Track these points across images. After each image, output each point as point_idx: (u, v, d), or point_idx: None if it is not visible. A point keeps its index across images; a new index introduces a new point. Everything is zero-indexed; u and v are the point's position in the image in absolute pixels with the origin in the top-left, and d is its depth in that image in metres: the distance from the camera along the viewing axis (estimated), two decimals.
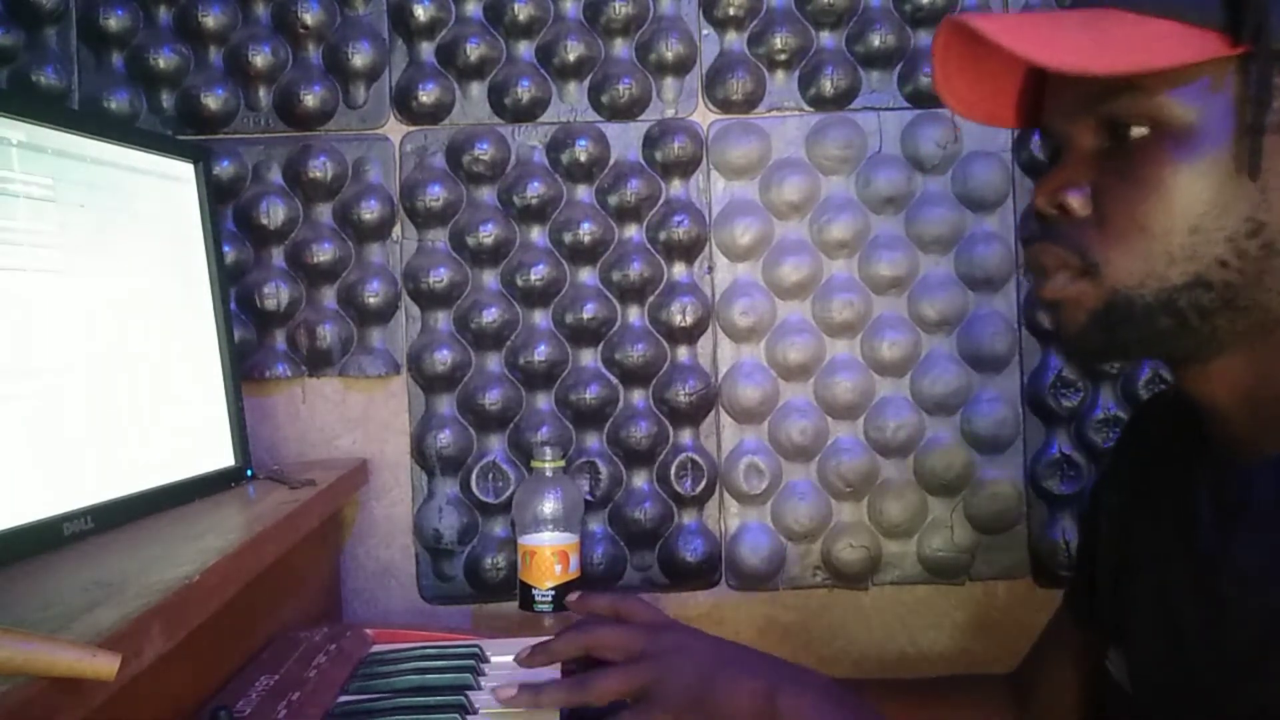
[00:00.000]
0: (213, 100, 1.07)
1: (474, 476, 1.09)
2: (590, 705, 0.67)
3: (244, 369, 1.05)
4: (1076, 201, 0.59)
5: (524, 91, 1.09)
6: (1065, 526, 1.11)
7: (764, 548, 1.10)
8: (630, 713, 0.65)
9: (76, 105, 1.06)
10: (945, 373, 1.10)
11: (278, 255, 1.09)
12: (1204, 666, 0.59)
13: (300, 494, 0.87)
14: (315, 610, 0.98)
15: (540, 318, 1.10)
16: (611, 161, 1.10)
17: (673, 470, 1.10)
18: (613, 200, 1.09)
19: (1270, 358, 0.58)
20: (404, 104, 1.09)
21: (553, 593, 0.96)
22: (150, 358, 0.83)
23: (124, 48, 1.08)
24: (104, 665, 0.45)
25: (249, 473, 0.93)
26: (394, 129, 1.10)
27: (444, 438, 1.08)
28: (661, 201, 1.10)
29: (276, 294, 1.07)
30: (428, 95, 1.08)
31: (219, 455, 0.90)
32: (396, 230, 1.10)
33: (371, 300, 1.08)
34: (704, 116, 1.11)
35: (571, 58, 1.09)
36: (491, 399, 1.08)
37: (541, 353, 1.09)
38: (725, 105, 1.11)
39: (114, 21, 1.06)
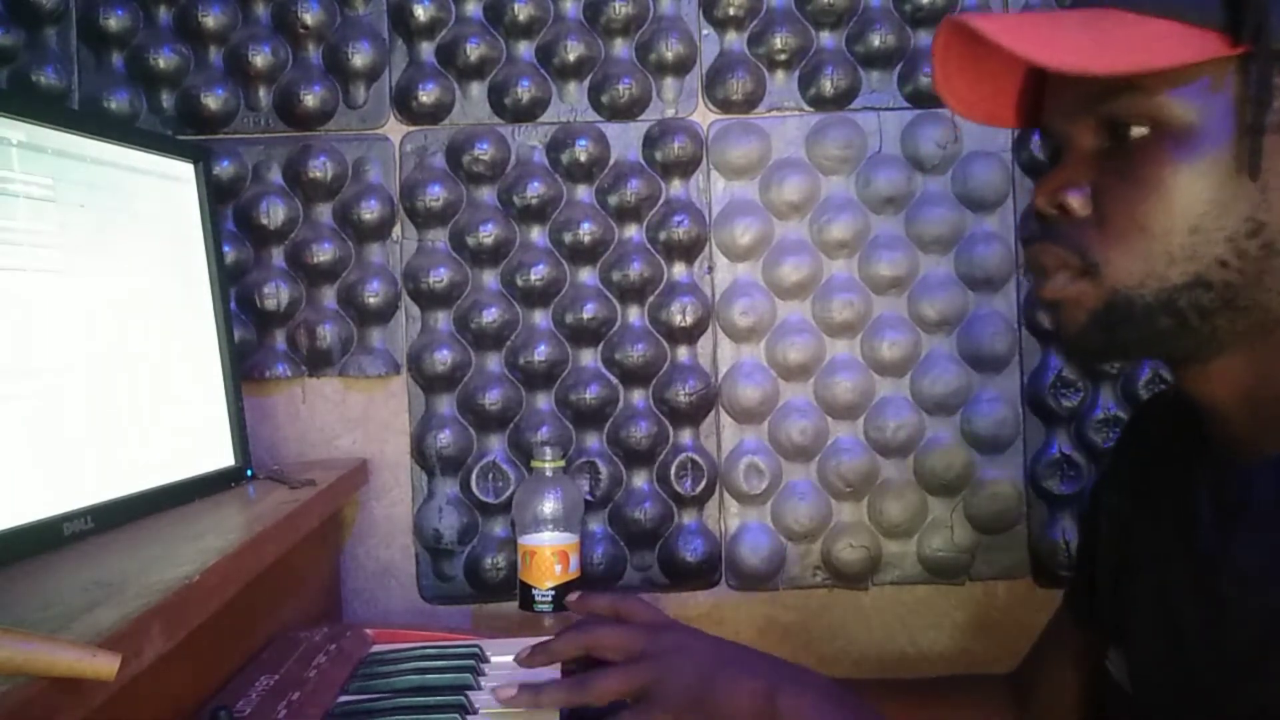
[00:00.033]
0: (213, 100, 1.07)
1: (474, 476, 1.09)
2: (590, 705, 0.67)
3: (244, 369, 1.05)
4: (1076, 201, 0.59)
5: (524, 91, 1.09)
6: (1065, 526, 1.11)
7: (764, 548, 1.10)
8: (630, 713, 0.65)
9: (76, 105, 1.06)
10: (945, 373, 1.10)
11: (278, 255, 1.09)
12: (1204, 666, 0.59)
13: (300, 494, 0.87)
14: (315, 610, 0.98)
15: (540, 318, 1.10)
16: (611, 161, 1.10)
17: (673, 470, 1.10)
18: (613, 200, 1.09)
19: (1270, 357, 0.58)
20: (404, 104, 1.09)
21: (553, 593, 0.96)
22: (150, 358, 0.83)
23: (124, 48, 1.08)
24: (104, 665, 0.45)
25: (249, 473, 0.93)
26: (394, 129, 1.10)
27: (444, 438, 1.08)
28: (661, 201, 1.10)
29: (276, 294, 1.07)
30: (428, 95, 1.08)
31: (219, 455, 0.90)
32: (396, 230, 1.10)
33: (371, 300, 1.08)
34: (704, 116, 1.11)
35: (571, 58, 1.09)
36: (491, 399, 1.08)
37: (541, 353, 1.09)
38: (725, 105, 1.11)
39: (114, 21, 1.06)
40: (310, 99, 1.07)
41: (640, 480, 1.10)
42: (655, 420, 1.10)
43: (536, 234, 1.10)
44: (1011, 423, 1.11)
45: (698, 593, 1.11)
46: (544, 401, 1.10)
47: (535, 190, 1.08)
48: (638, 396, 1.10)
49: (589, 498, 1.09)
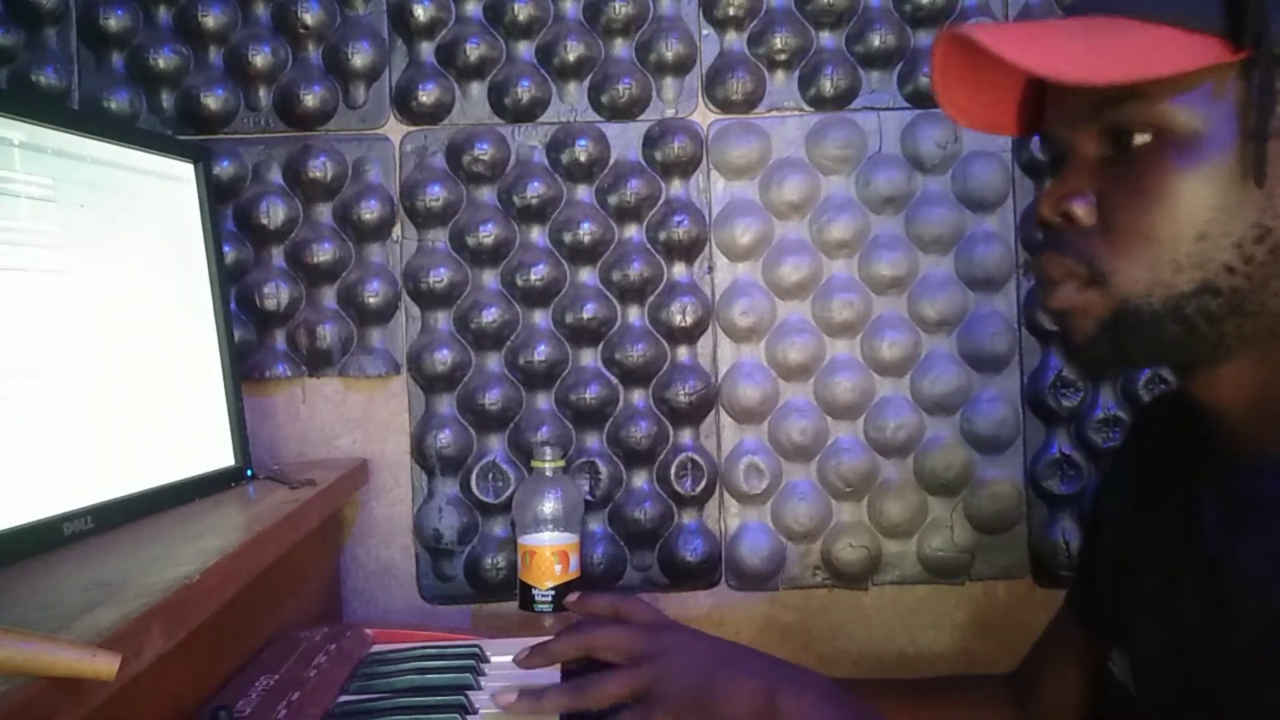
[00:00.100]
0: (213, 100, 1.07)
1: (474, 476, 1.09)
2: (591, 709, 0.67)
3: (244, 369, 1.05)
4: (1081, 210, 0.59)
5: (524, 91, 1.09)
6: (1065, 526, 1.11)
7: (764, 548, 1.10)
8: (630, 714, 0.65)
9: (76, 105, 1.06)
10: (945, 373, 1.10)
11: (278, 255, 1.09)
12: (1207, 667, 0.59)
13: (300, 494, 0.87)
14: (315, 610, 0.98)
15: (540, 318, 1.10)
16: (611, 161, 1.10)
17: (673, 470, 1.10)
18: (613, 200, 1.09)
19: (1278, 360, 0.58)
20: (404, 104, 1.09)
21: (553, 593, 0.96)
22: (150, 358, 0.82)
23: (124, 48, 1.08)
24: (104, 665, 0.45)
25: (249, 473, 0.93)
26: (394, 129, 1.10)
27: (444, 438, 1.08)
28: (661, 201, 1.10)
29: (276, 294, 1.07)
30: (428, 95, 1.08)
31: (219, 455, 0.90)
32: (396, 230, 1.10)
33: (371, 300, 1.08)
34: (704, 116, 1.11)
35: (571, 58, 1.09)
36: (491, 399, 1.08)
37: (541, 353, 1.09)
38: (725, 105, 1.11)
39: (114, 21, 1.06)
40: (310, 99, 1.07)
41: (640, 480, 1.10)
42: (655, 420, 1.10)
43: (536, 234, 1.10)
44: (1011, 423, 1.11)
45: (698, 593, 1.11)
46: (544, 401, 1.10)
47: (535, 190, 1.08)
48: (638, 396, 1.10)
49: (589, 498, 1.09)
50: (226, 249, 1.04)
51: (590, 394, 1.09)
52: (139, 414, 0.80)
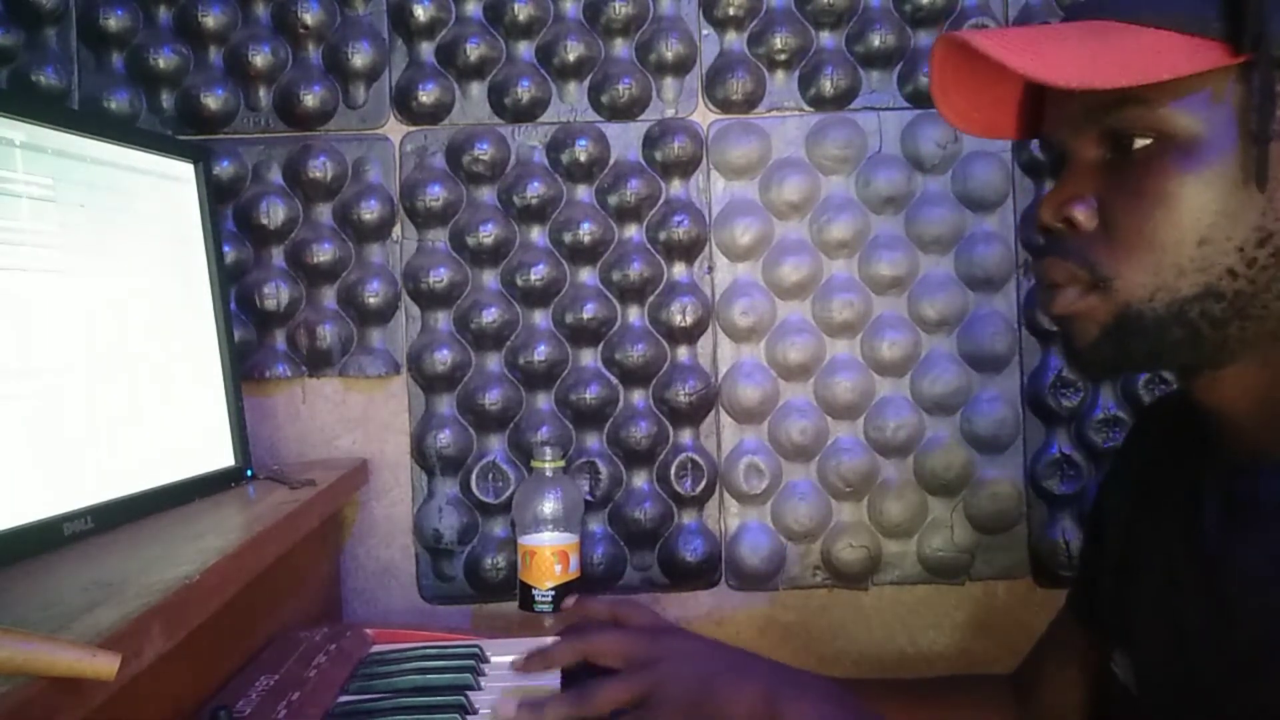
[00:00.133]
0: (213, 100, 1.07)
1: (474, 476, 1.09)
2: (591, 716, 0.67)
3: (244, 369, 1.05)
4: (1083, 215, 0.59)
5: (524, 91, 1.09)
6: (1065, 526, 1.11)
7: (764, 548, 1.10)
8: (631, 718, 0.65)
9: (76, 105, 1.06)
10: (945, 373, 1.10)
11: (278, 255, 1.09)
12: (1208, 667, 0.59)
13: (300, 494, 0.87)
14: (315, 610, 0.98)
15: (540, 318, 1.10)
16: (611, 161, 1.10)
17: (673, 470, 1.10)
18: (613, 200, 1.09)
19: None
20: (404, 104, 1.09)
21: (553, 593, 0.96)
22: (150, 358, 0.82)
23: (124, 48, 1.08)
24: (104, 665, 0.45)
25: (249, 473, 0.93)
26: (394, 129, 1.10)
27: (444, 438, 1.08)
28: (661, 201, 1.10)
29: (276, 294, 1.07)
30: (428, 95, 1.08)
31: (219, 455, 0.90)
32: (396, 230, 1.10)
33: (371, 300, 1.08)
34: (704, 116, 1.11)
35: (571, 58, 1.09)
36: (491, 399, 1.08)
37: (541, 353, 1.09)
38: (725, 105, 1.11)
39: (114, 21, 1.06)
40: (310, 99, 1.07)
41: (640, 480, 1.10)
42: (655, 420, 1.10)
43: (536, 234, 1.10)
44: (1011, 423, 1.11)
45: (698, 593, 1.11)
46: (544, 401, 1.10)
47: (535, 190, 1.08)
48: (638, 396, 1.10)
49: (589, 498, 1.09)
50: (226, 249, 1.04)
51: (590, 394, 1.09)
52: (139, 414, 0.80)
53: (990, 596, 1.12)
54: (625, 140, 1.10)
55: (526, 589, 0.97)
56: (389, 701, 0.72)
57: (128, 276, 0.81)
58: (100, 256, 0.78)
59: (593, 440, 1.10)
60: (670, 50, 1.09)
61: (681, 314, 1.09)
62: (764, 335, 1.11)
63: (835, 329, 1.10)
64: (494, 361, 1.10)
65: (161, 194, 0.89)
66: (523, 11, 1.08)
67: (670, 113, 1.11)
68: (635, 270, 1.09)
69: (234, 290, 1.06)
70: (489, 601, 1.09)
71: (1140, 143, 0.56)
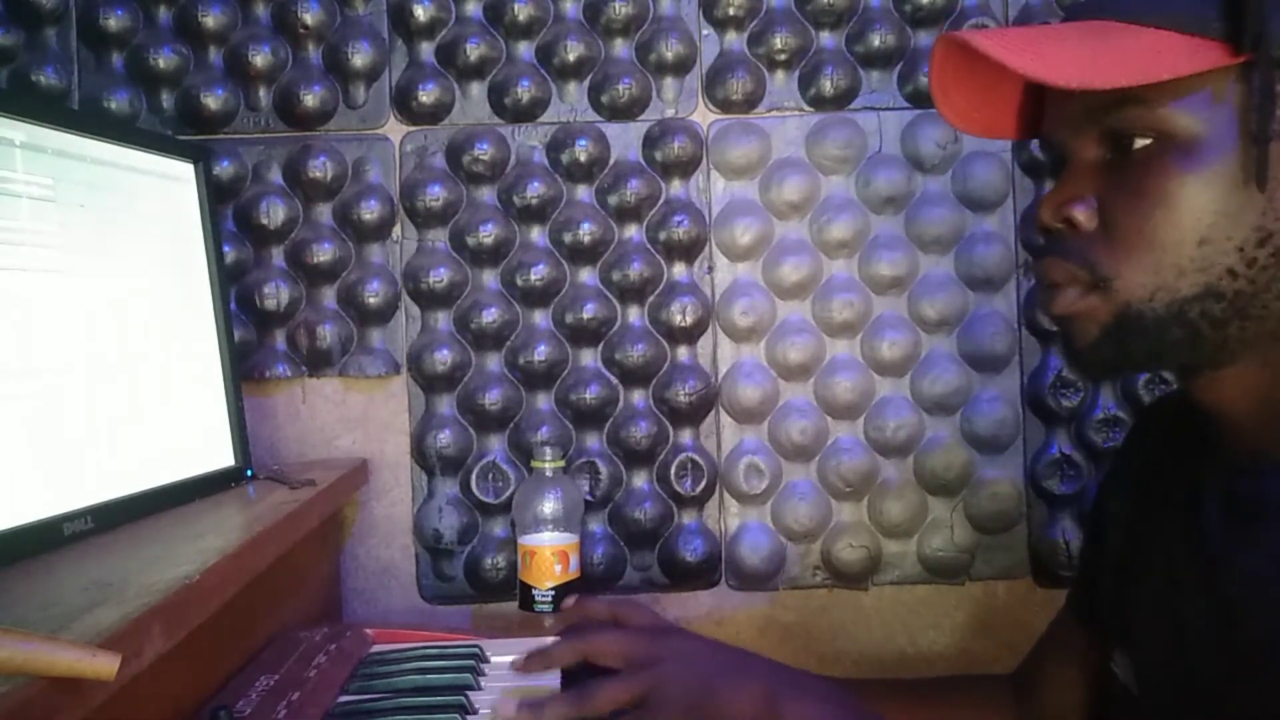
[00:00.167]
0: (213, 100, 1.07)
1: (474, 476, 1.09)
2: (592, 716, 0.67)
3: (244, 369, 1.05)
4: (1082, 215, 0.59)
5: (524, 91, 1.09)
6: (1065, 526, 1.11)
7: (764, 548, 1.10)
8: (631, 719, 0.65)
9: (76, 105, 1.06)
10: (945, 373, 1.10)
11: (278, 255, 1.09)
12: (1209, 667, 0.59)
13: (300, 494, 0.87)
14: (315, 610, 0.98)
15: (540, 318, 1.10)
16: (611, 161, 1.10)
17: (673, 470, 1.10)
18: (613, 200, 1.09)
19: None
20: (404, 104, 1.09)
21: (553, 593, 0.96)
22: (150, 358, 0.83)
23: (124, 48, 1.08)
24: (104, 665, 0.45)
25: (249, 473, 0.93)
26: (394, 129, 1.10)
27: (444, 438, 1.08)
28: (661, 201, 1.10)
29: (276, 294, 1.07)
30: (428, 95, 1.08)
31: (219, 455, 0.90)
32: (396, 230, 1.10)
33: (371, 300, 1.08)
34: (704, 116, 1.11)
35: (571, 58, 1.09)
36: (491, 399, 1.08)
37: (541, 353, 1.09)
38: (725, 105, 1.11)
39: (114, 21, 1.06)
40: (310, 99, 1.07)
41: (640, 480, 1.10)
42: (655, 420, 1.10)
43: (536, 234, 1.10)
44: (1011, 423, 1.11)
45: (698, 593, 1.11)
46: (544, 401, 1.10)
47: (535, 190, 1.08)
48: (638, 396, 1.10)
49: (589, 498, 1.09)
50: (226, 249, 1.04)
51: (590, 394, 1.09)
52: (139, 414, 0.80)
53: (990, 596, 1.12)
54: (625, 140, 1.10)
55: (526, 589, 0.97)
56: (389, 701, 0.72)
57: (128, 276, 0.81)
58: (100, 256, 0.78)
59: (593, 440, 1.10)
60: (670, 50, 1.09)
61: (681, 314, 1.09)
62: (764, 335, 1.11)
63: (835, 329, 1.10)
64: (494, 361, 1.10)
65: (161, 194, 0.89)
66: (523, 11, 1.08)
67: (670, 113, 1.11)
68: (635, 270, 1.09)
69: (234, 290, 1.06)
70: (489, 601, 1.09)
71: (1140, 143, 0.56)
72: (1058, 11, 1.10)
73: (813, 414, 1.11)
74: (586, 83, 1.10)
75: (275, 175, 1.09)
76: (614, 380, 1.10)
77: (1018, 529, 1.11)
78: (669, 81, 1.11)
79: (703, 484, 1.10)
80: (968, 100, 0.65)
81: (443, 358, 1.08)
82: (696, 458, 1.10)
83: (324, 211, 1.09)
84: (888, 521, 1.10)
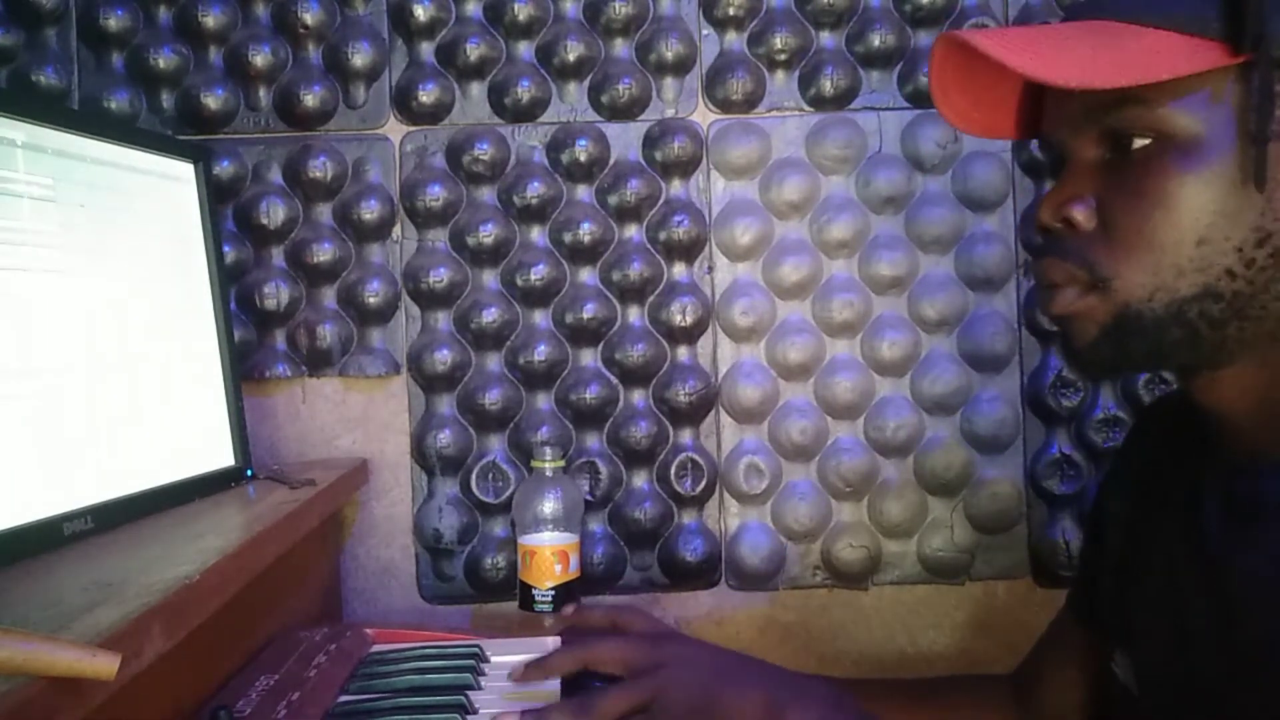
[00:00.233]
0: (213, 100, 1.07)
1: (474, 476, 1.09)
2: None
3: (244, 369, 1.05)
4: (1082, 215, 0.59)
5: (524, 91, 1.09)
6: (1065, 526, 1.11)
7: (764, 548, 1.10)
8: None
9: (76, 105, 1.06)
10: (945, 373, 1.10)
11: (278, 255, 1.09)
12: (1209, 667, 0.59)
13: (300, 494, 0.87)
14: (315, 610, 0.98)
15: (540, 318, 1.10)
16: (611, 161, 1.10)
17: (673, 470, 1.10)
18: (613, 200, 1.09)
19: None
20: (404, 104, 1.09)
21: (553, 593, 0.96)
22: (150, 358, 0.82)
23: (124, 48, 1.08)
24: (104, 665, 0.45)
25: (249, 473, 0.93)
26: (394, 129, 1.10)
27: (444, 438, 1.08)
28: (661, 201, 1.10)
29: (276, 294, 1.07)
30: (428, 95, 1.08)
31: (219, 455, 0.90)
32: (396, 230, 1.10)
33: (371, 300, 1.08)
34: (704, 116, 1.11)
35: (571, 58, 1.09)
36: (491, 399, 1.08)
37: (541, 353, 1.09)
38: (725, 105, 1.11)
39: (114, 21, 1.06)
40: (310, 99, 1.07)
41: (640, 480, 1.10)
42: (655, 420, 1.10)
43: (536, 234, 1.10)
44: (1011, 423, 1.11)
45: (698, 593, 1.11)
46: (544, 401, 1.10)
47: (535, 190, 1.08)
48: (638, 396, 1.10)
49: (589, 498, 1.09)
50: (226, 249, 1.04)
51: (590, 394, 1.09)
52: (139, 414, 0.80)
53: (990, 596, 1.12)
54: (625, 140, 1.10)
55: (526, 589, 0.97)
56: (389, 701, 0.72)
57: (128, 276, 0.81)
58: (100, 256, 0.78)
59: (593, 440, 1.10)
60: (670, 50, 1.09)
61: (681, 314, 1.09)
62: (764, 335, 1.11)
63: (835, 329, 1.10)
64: (494, 361, 1.10)
65: (161, 194, 0.89)
66: (523, 11, 1.08)
67: (670, 113, 1.11)
68: (635, 270, 1.09)
69: (234, 290, 1.06)
70: (489, 601, 1.09)
71: (1139, 143, 0.56)
72: (1058, 11, 1.10)
73: (813, 414, 1.11)
74: (586, 83, 1.10)
75: (275, 175, 1.09)
76: (614, 380, 1.10)
77: (1018, 529, 1.11)
78: (669, 81, 1.11)
79: (703, 484, 1.10)
80: (967, 100, 0.65)
81: (443, 358, 1.08)
82: (696, 458, 1.10)
83: (324, 211, 1.09)
84: (888, 521, 1.11)
